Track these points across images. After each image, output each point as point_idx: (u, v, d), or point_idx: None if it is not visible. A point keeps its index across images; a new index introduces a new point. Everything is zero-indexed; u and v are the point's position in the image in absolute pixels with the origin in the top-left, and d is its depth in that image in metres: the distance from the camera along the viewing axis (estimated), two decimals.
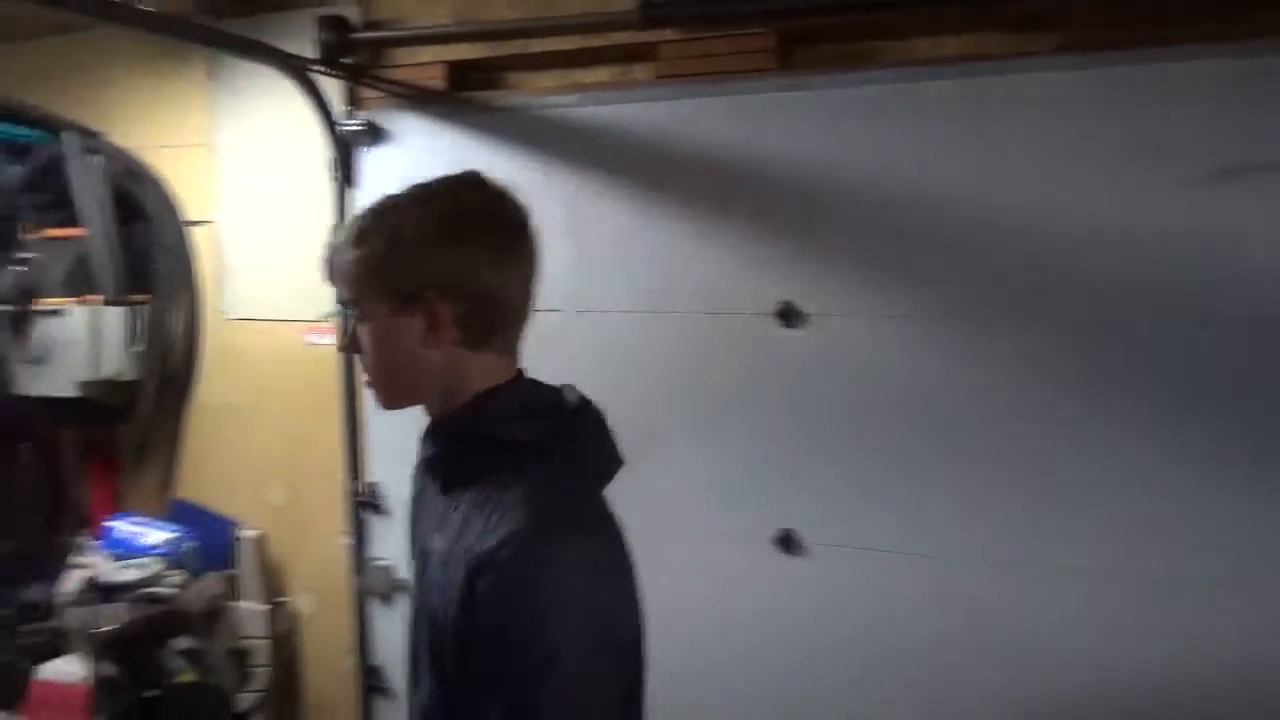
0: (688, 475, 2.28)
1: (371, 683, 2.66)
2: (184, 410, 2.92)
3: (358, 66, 2.53)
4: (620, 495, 1.20)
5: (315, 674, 2.81)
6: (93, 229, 2.71)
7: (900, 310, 2.09)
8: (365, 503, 2.65)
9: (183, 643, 2.43)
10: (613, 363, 2.33)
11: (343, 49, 2.49)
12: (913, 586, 2.10)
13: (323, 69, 2.47)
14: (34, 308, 2.68)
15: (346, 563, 2.65)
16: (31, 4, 2.30)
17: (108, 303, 2.70)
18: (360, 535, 2.65)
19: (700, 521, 2.28)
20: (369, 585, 2.64)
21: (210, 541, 2.76)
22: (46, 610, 2.71)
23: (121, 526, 2.79)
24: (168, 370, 2.84)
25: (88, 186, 2.73)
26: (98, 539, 2.80)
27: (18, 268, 2.69)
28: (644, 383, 2.30)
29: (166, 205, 2.83)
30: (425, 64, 2.49)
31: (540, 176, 2.38)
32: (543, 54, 2.37)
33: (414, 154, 2.55)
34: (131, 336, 2.74)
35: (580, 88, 2.38)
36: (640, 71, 2.32)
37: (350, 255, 1.12)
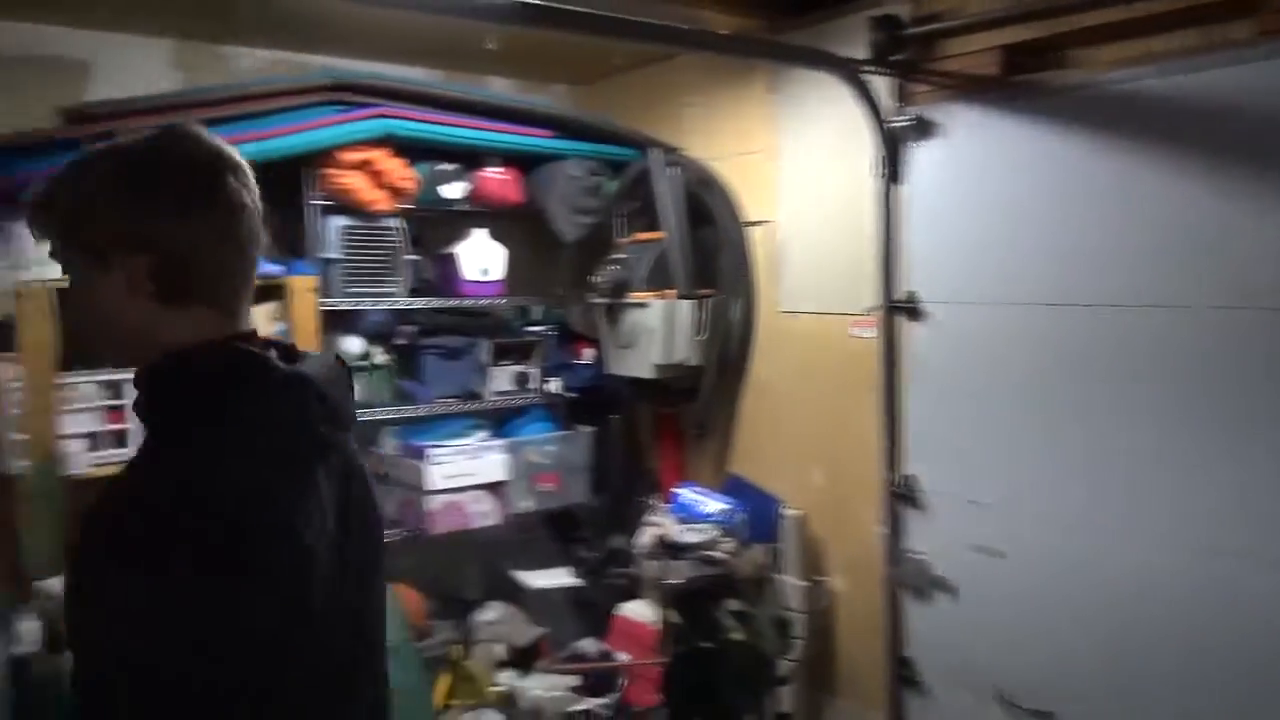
0: None
1: (902, 674, 2.69)
2: (739, 393, 3.23)
3: (907, 62, 2.55)
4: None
5: (848, 653, 2.92)
6: (670, 232, 3.11)
7: None
8: (900, 495, 2.68)
9: (733, 604, 2.68)
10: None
11: (893, 46, 2.53)
12: None
13: (873, 68, 2.53)
14: (624, 300, 3.15)
15: (881, 551, 2.71)
16: (623, 41, 2.70)
17: (680, 296, 3.07)
18: (895, 526, 2.69)
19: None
20: (902, 577, 2.68)
21: (758, 515, 3.01)
22: (626, 558, 3.20)
23: (686, 494, 3.16)
24: (726, 357, 3.15)
25: (668, 195, 3.14)
26: (667, 503, 3.21)
27: (614, 266, 3.18)
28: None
29: (731, 209, 3.15)
30: (978, 52, 2.43)
31: (1108, 159, 2.18)
32: (1107, 25, 2.16)
33: (963, 145, 2.50)
34: (698, 326, 3.09)
35: (1153, 57, 2.13)
36: (1239, 30, 2.00)
37: (42, 209, 1.05)
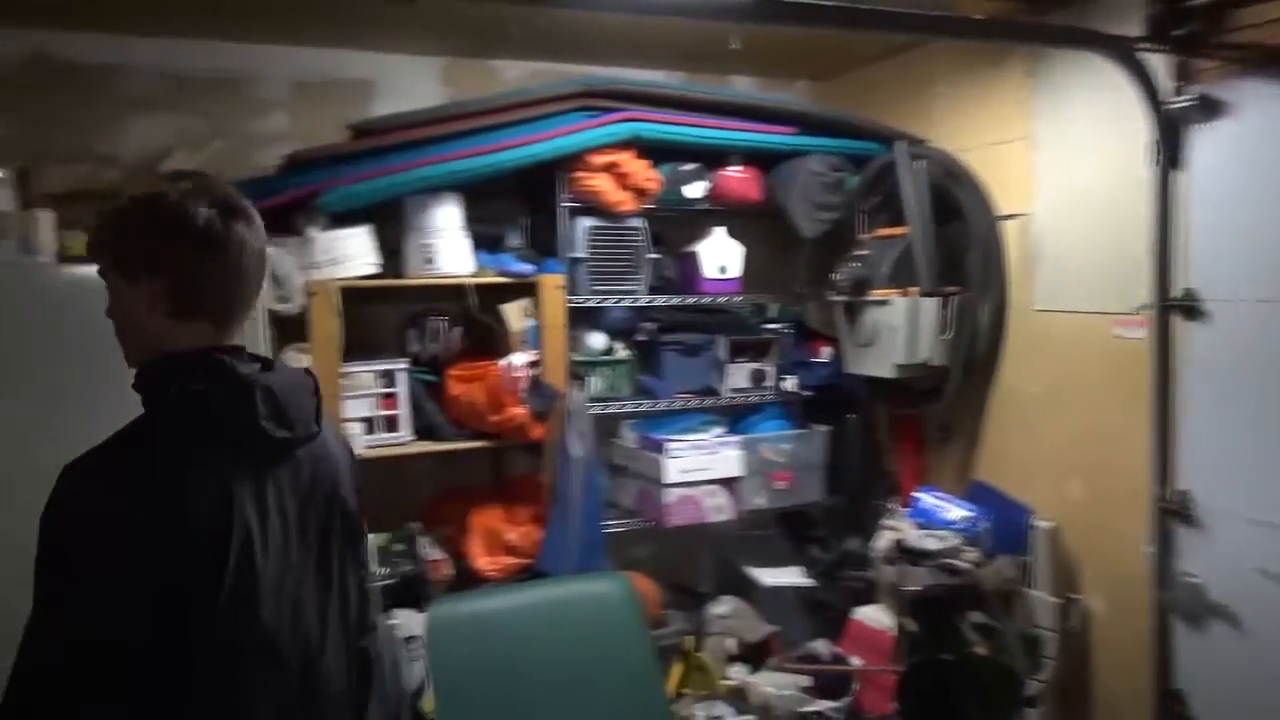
0: None
1: (1172, 708, 2.46)
2: (987, 396, 3.07)
3: (1191, 36, 2.32)
4: None
5: (1105, 680, 2.70)
6: (915, 227, 3.00)
7: None
8: (1172, 511, 2.45)
9: (977, 617, 2.56)
10: None
11: (1173, 21, 2.31)
12: None
13: (1150, 45, 2.32)
14: (865, 298, 3.08)
15: (1148, 573, 2.49)
16: (877, 34, 2.63)
17: (924, 294, 2.96)
18: (1165, 545, 2.46)
19: None
20: (1174, 603, 2.44)
21: (1004, 525, 2.85)
22: (860, 561, 3.13)
23: (926, 498, 3.05)
24: (973, 357, 3.00)
25: (913, 189, 3.04)
26: (905, 506, 3.11)
27: (854, 263, 3.12)
28: None
29: (982, 202, 2.99)
30: (1276, 20, 2.17)
31: None
32: None
33: (1257, 126, 2.25)
34: (943, 325, 2.97)
35: None
36: None
37: (98, 241, 1.31)
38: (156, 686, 1.14)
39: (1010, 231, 2.96)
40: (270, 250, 2.51)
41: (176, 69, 2.99)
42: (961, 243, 3.02)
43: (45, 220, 2.36)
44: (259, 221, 1.33)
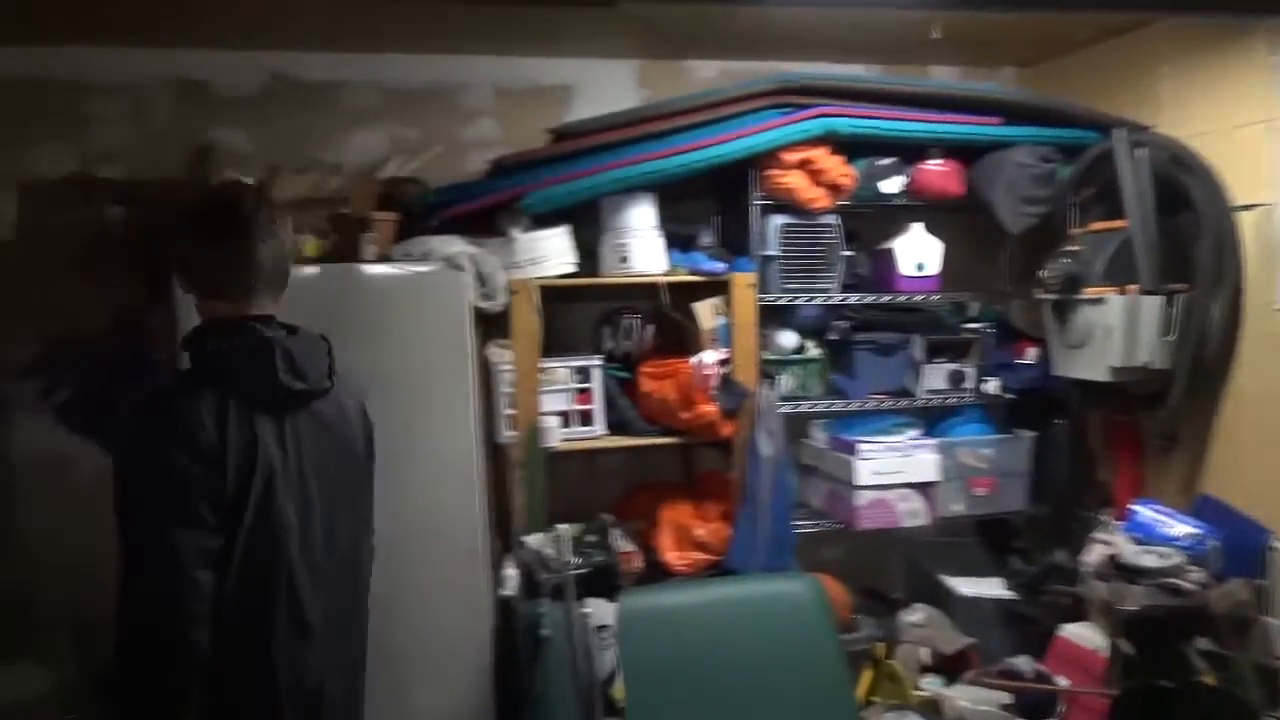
0: None
1: None
2: (1217, 403, 2.81)
3: None
4: None
5: None
6: (1135, 219, 2.79)
7: None
8: None
9: (1203, 643, 2.35)
10: None
11: None
12: None
13: None
14: (1077, 296, 2.89)
15: None
16: (1102, 13, 2.46)
17: (1145, 292, 2.75)
18: None
19: None
20: None
21: (1236, 544, 2.61)
22: (1068, 575, 2.93)
23: (1144, 512, 2.83)
24: (1202, 360, 2.76)
25: (1133, 179, 2.82)
26: (1120, 519, 2.90)
27: (1065, 259, 2.93)
28: None
29: (1213, 191, 2.74)
30: None
31: None
32: None
33: None
34: (1166, 325, 2.75)
35: None
36: None
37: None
38: (222, 558, 1.51)
39: (1247, 223, 2.70)
40: (474, 250, 2.68)
41: (392, 82, 3.20)
42: (1188, 236, 2.78)
43: (281, 226, 2.58)
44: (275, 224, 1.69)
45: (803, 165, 2.90)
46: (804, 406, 3.10)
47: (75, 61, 3.01)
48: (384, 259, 2.67)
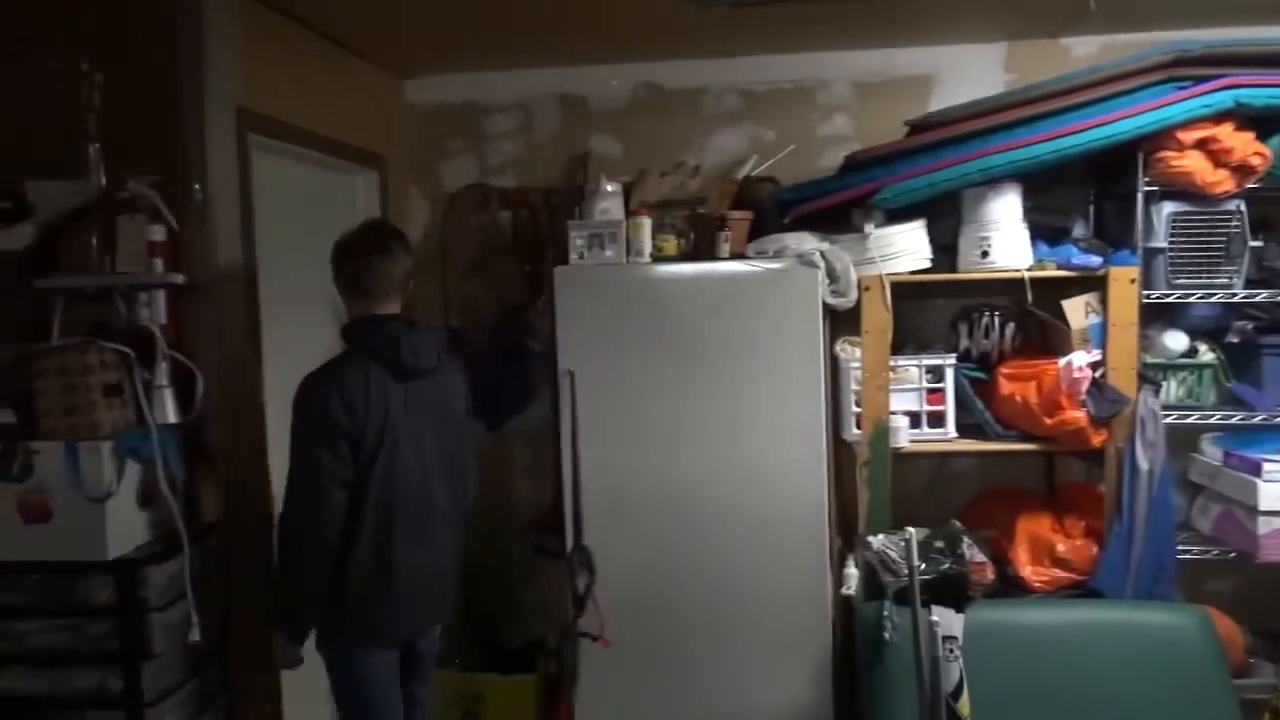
0: None
1: None
2: None
3: None
4: None
5: None
6: None
7: None
8: None
9: None
10: None
11: None
12: None
13: None
14: None
15: None
16: None
17: None
18: None
19: None
20: None
21: None
22: None
23: None
24: None
25: None
26: None
27: None
28: None
29: None
30: None
31: None
32: None
33: None
34: None
35: None
36: None
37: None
38: (356, 491, 2.11)
39: None
40: (826, 246, 2.69)
41: (750, 84, 3.30)
42: None
43: (645, 226, 2.76)
44: (403, 244, 2.29)
45: (1203, 144, 2.57)
46: (1193, 417, 2.75)
47: (478, 85, 3.43)
48: (738, 256, 2.76)
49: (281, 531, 2.14)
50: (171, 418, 2.19)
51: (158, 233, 2.20)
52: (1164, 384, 2.76)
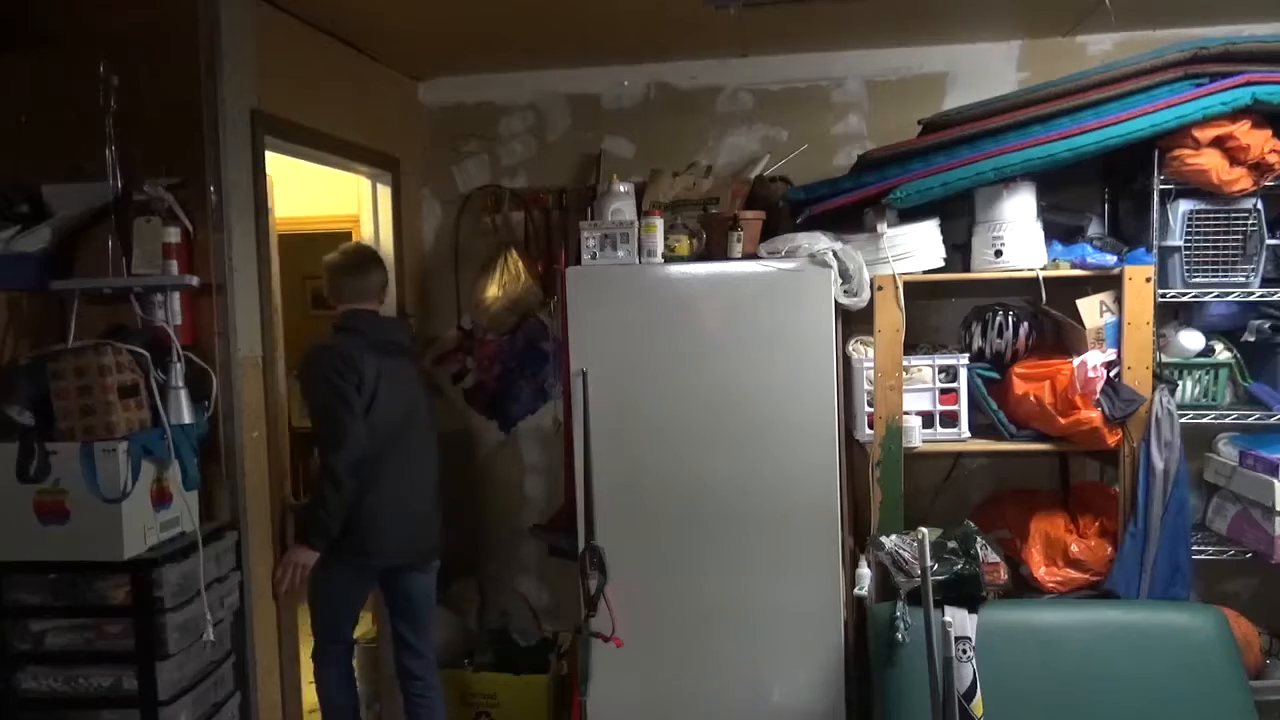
0: None
1: None
2: None
3: None
4: None
5: None
6: None
7: None
8: None
9: None
10: None
11: None
12: None
13: None
14: None
15: None
16: None
17: None
18: None
19: None
20: None
21: None
22: None
23: None
24: None
25: None
26: None
27: None
28: None
29: None
30: None
31: None
32: None
33: None
34: None
35: None
36: None
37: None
38: (362, 431, 2.58)
39: None
40: (838, 246, 2.69)
41: (762, 84, 3.29)
42: None
43: (657, 226, 2.76)
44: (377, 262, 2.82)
45: (1219, 142, 2.55)
46: (1209, 417, 2.73)
47: (491, 86, 3.44)
48: (751, 256, 2.76)
49: (322, 464, 2.58)
50: (187, 418, 2.21)
51: (173, 235, 2.23)
52: (1179, 383, 2.74)
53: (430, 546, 2.83)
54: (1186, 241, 2.67)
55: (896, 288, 2.71)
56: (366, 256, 2.83)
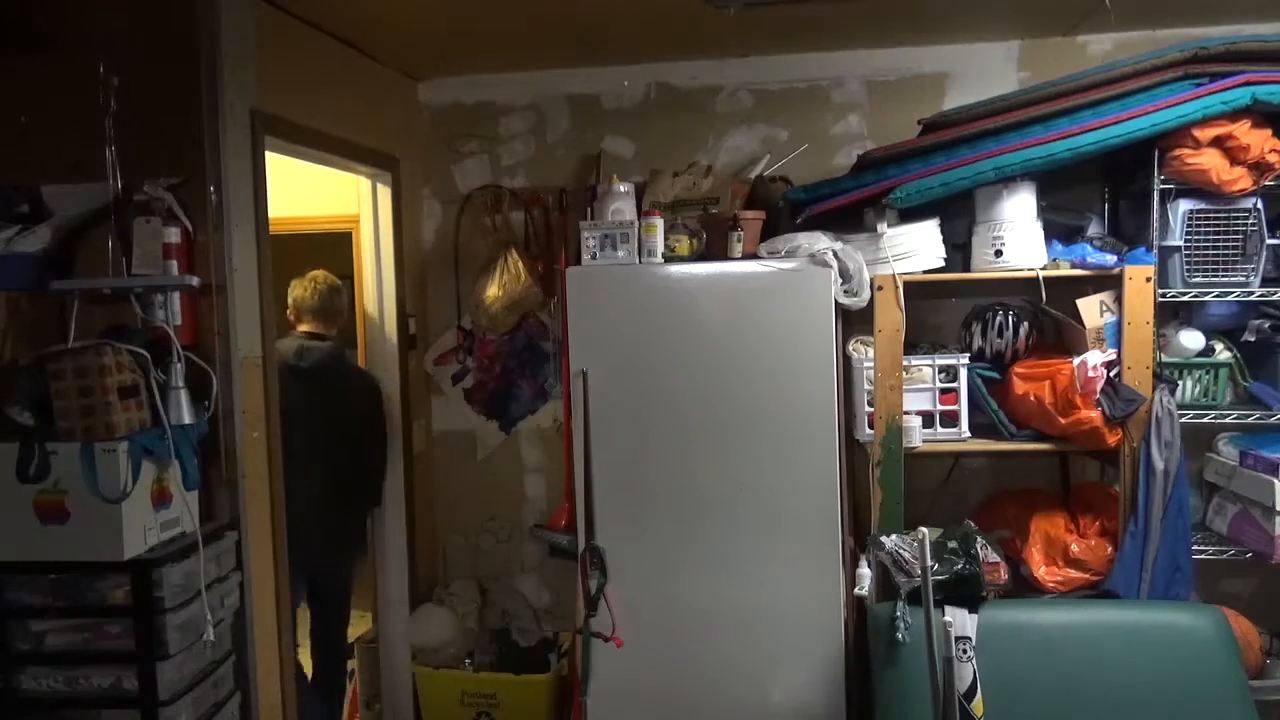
0: None
1: None
2: None
3: None
4: None
5: None
6: None
7: None
8: None
9: None
10: None
11: None
12: None
13: None
14: None
15: None
16: None
17: None
18: None
19: None
20: None
21: None
22: None
23: None
24: None
25: None
26: None
27: None
28: None
29: None
30: None
31: None
32: None
33: None
34: None
35: None
36: None
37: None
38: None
39: None
40: (839, 246, 2.69)
41: (763, 84, 3.29)
42: None
43: (657, 226, 2.76)
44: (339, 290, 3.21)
45: (1219, 142, 2.55)
46: (1209, 416, 2.74)
47: (490, 86, 3.44)
48: (751, 256, 2.76)
49: None
50: (187, 418, 2.20)
51: (173, 235, 2.22)
52: (1179, 383, 2.74)
53: (340, 548, 3.21)
54: (1186, 241, 2.67)
55: (896, 287, 2.71)
56: (322, 284, 3.20)
